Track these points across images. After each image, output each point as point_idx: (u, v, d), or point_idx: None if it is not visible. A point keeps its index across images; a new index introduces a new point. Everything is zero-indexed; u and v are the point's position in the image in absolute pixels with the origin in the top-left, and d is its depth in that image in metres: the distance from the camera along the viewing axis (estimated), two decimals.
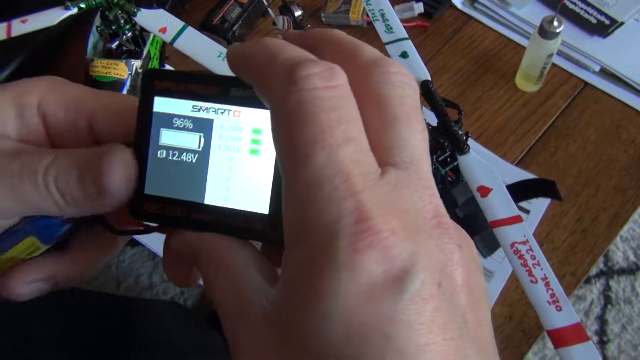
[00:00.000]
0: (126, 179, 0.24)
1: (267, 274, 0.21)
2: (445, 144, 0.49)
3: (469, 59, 0.78)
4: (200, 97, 0.24)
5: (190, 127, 0.24)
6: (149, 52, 0.68)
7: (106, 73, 0.64)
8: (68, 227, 0.27)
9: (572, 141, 0.71)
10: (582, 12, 0.79)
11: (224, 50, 0.47)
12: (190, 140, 0.24)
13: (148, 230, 0.27)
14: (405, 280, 0.17)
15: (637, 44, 0.77)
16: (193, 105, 0.24)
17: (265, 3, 0.71)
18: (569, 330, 0.34)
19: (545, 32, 0.67)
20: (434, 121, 0.38)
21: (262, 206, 0.23)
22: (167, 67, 0.74)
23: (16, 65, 0.72)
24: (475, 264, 0.21)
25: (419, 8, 0.79)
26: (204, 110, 0.24)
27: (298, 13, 0.76)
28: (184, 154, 0.24)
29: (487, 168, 0.36)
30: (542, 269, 0.35)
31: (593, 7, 0.79)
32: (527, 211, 0.66)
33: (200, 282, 0.24)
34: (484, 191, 0.36)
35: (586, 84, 0.75)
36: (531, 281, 0.35)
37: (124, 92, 0.64)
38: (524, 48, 0.73)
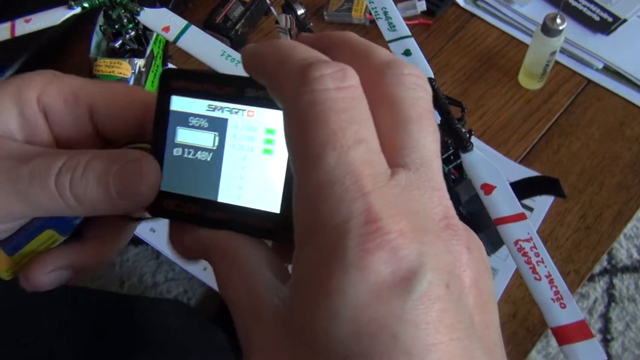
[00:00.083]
0: (156, 187, 0.25)
1: (278, 271, 0.22)
2: (449, 142, 0.49)
3: (471, 56, 0.78)
4: (215, 96, 0.24)
5: (206, 126, 0.25)
6: (152, 51, 0.68)
7: (110, 72, 0.65)
8: (82, 219, 0.27)
9: (575, 139, 0.71)
10: (585, 10, 0.79)
11: (227, 49, 0.48)
12: (206, 139, 0.25)
13: (160, 215, 0.27)
14: (413, 280, 0.18)
15: None
16: (209, 105, 0.25)
17: (268, 1, 0.71)
18: (573, 327, 0.34)
19: (548, 29, 0.66)
20: (437, 119, 0.38)
21: (274, 205, 0.24)
22: (170, 65, 0.74)
23: (20, 64, 0.72)
24: (484, 266, 0.21)
25: (422, 6, 0.79)
26: (219, 110, 0.24)
27: (301, 11, 0.75)
28: (199, 152, 0.25)
29: (490, 166, 0.36)
30: (546, 267, 0.35)
31: (596, 4, 0.79)
32: (530, 209, 0.66)
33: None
34: (488, 189, 0.36)
35: (589, 81, 0.75)
36: (535, 279, 0.35)
37: None
38: (526, 46, 0.73)
